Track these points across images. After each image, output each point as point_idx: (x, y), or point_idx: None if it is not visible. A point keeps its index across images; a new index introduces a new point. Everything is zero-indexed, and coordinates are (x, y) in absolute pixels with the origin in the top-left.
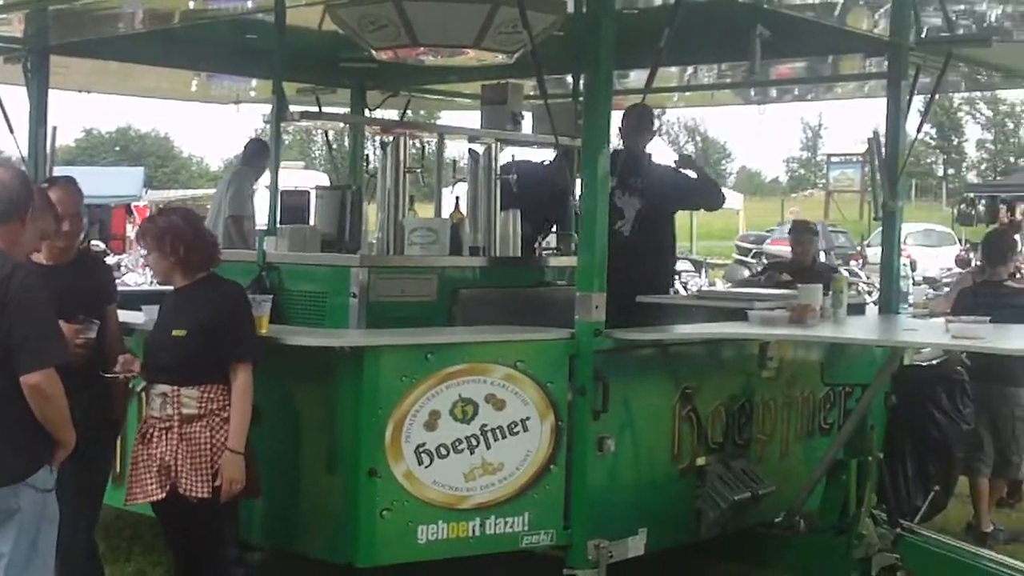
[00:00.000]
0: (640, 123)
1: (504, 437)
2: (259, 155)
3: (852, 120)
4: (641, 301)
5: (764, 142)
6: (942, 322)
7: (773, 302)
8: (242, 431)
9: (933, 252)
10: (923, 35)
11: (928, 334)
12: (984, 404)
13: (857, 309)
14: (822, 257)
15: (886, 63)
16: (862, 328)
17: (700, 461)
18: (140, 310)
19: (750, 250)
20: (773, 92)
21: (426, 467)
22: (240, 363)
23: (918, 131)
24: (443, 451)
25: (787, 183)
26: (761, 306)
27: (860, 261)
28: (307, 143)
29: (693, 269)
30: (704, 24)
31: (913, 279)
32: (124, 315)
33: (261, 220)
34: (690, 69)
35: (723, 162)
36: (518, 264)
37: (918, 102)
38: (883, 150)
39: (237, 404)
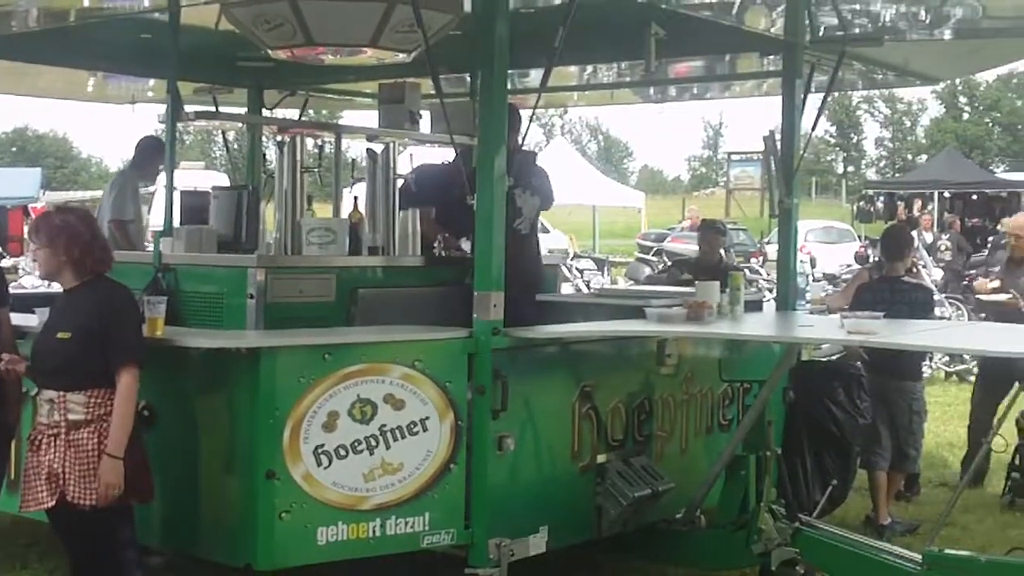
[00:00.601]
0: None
1: (403, 437)
2: (150, 155)
3: (753, 118)
4: (541, 299)
5: (666, 141)
6: (838, 318)
7: (670, 300)
8: (122, 436)
9: (833, 249)
10: (820, 34)
11: (823, 330)
12: (881, 398)
13: (755, 306)
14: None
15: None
16: (759, 324)
17: (600, 458)
18: (34, 313)
19: (651, 248)
20: (672, 91)
21: (325, 468)
22: (123, 367)
23: (812, 129)
24: (342, 452)
25: (689, 181)
26: (658, 304)
27: (760, 258)
28: (208, 143)
29: (595, 267)
30: (599, 23)
31: (813, 275)
32: (18, 318)
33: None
34: (589, 68)
35: (625, 161)
36: (417, 264)
37: (816, 100)
38: (779, 148)
39: (118, 408)
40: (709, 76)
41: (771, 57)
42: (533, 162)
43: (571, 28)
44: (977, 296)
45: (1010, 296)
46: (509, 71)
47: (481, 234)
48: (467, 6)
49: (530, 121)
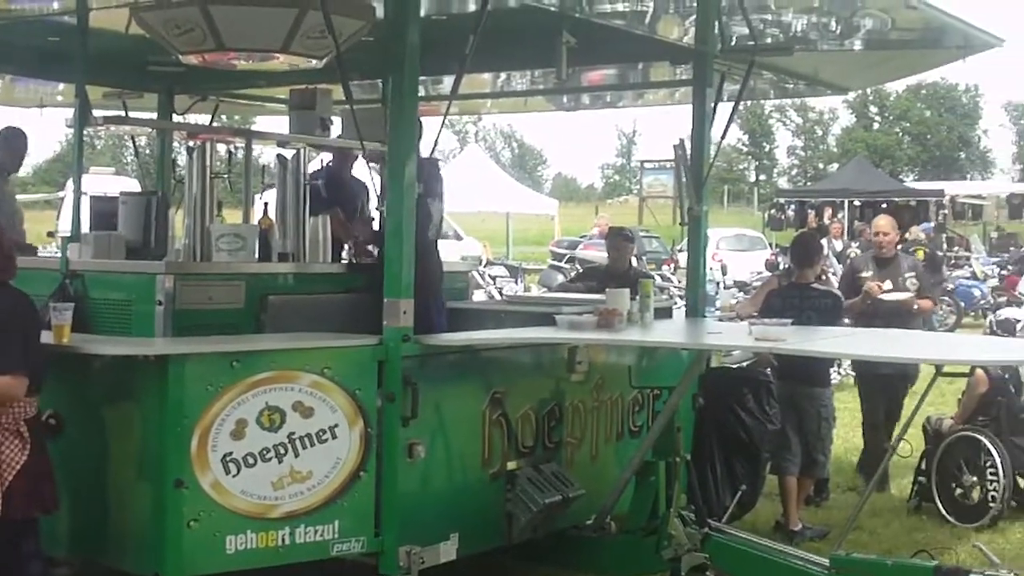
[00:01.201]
0: None
1: (312, 445)
2: (10, 145)
3: (667, 127)
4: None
5: (580, 149)
6: (746, 325)
7: (581, 307)
8: None
9: (744, 256)
10: (733, 43)
11: (732, 337)
12: (790, 404)
13: (664, 313)
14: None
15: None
16: (668, 332)
17: (511, 465)
18: None
19: (564, 255)
20: (586, 99)
21: (233, 476)
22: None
23: (723, 137)
24: (251, 460)
25: (602, 189)
26: (569, 311)
27: (672, 266)
28: (119, 148)
29: (508, 275)
30: (511, 31)
31: (724, 283)
32: None
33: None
34: (503, 75)
35: (539, 168)
36: (328, 270)
37: (728, 109)
38: (689, 157)
39: None
40: (620, 84)
41: (683, 66)
42: (438, 169)
43: (483, 35)
44: (870, 300)
45: (910, 295)
46: (421, 78)
47: (391, 242)
48: (379, 12)
49: (440, 128)
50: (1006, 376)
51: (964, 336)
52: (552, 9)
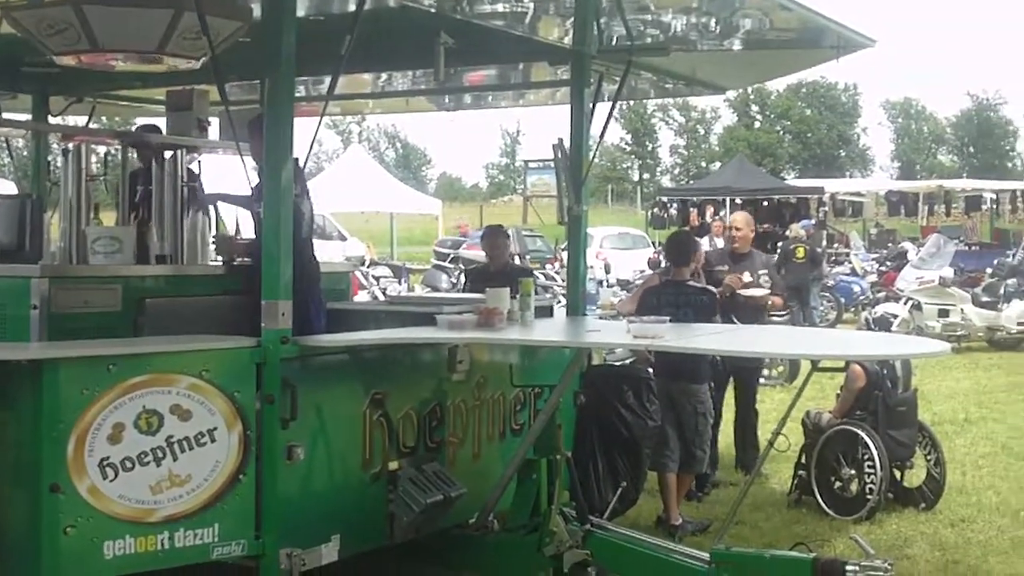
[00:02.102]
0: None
1: (191, 448)
2: None
3: (551, 126)
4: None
5: (465, 148)
6: (624, 322)
7: (462, 306)
8: None
9: (627, 255)
10: (614, 44)
11: (610, 335)
12: (668, 401)
13: (545, 311)
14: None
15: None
16: (548, 330)
17: (392, 465)
18: None
19: (448, 255)
20: (467, 99)
21: (111, 481)
22: None
23: (601, 137)
24: (128, 464)
25: (487, 189)
26: (450, 310)
27: (556, 264)
28: None
29: (392, 275)
30: (390, 32)
31: (608, 281)
32: None
33: None
34: (385, 76)
35: (424, 168)
36: (206, 272)
37: (608, 109)
38: (568, 156)
39: None
40: (500, 85)
41: (562, 66)
42: (301, 169)
43: (361, 36)
44: (729, 292)
45: (767, 291)
46: (302, 78)
47: (268, 242)
48: (256, 13)
49: (317, 129)
50: (883, 371)
51: (841, 331)
52: (430, 10)
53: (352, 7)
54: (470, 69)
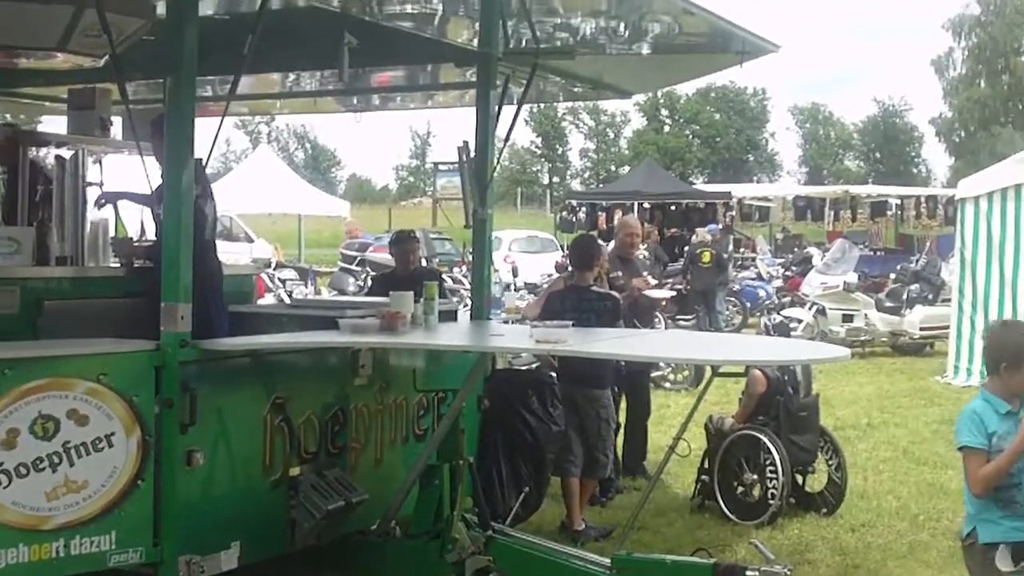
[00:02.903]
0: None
1: (88, 454)
2: None
3: (462, 128)
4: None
5: (375, 150)
6: (528, 327)
7: (365, 310)
8: None
9: (536, 258)
10: (517, 46)
11: (514, 339)
12: (571, 406)
13: (450, 315)
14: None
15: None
16: (452, 334)
17: (293, 471)
18: None
19: (355, 258)
20: (376, 100)
21: (5, 488)
22: None
23: (506, 140)
24: (23, 470)
25: (397, 190)
26: (353, 314)
27: (464, 267)
28: None
29: (299, 278)
30: (294, 31)
31: (516, 284)
32: None
33: None
34: (293, 76)
35: (333, 169)
36: (106, 274)
37: (523, 112)
38: (473, 159)
39: None
40: (407, 86)
41: (470, 68)
42: (203, 170)
43: (265, 36)
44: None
45: (670, 293)
46: (209, 78)
47: (169, 244)
48: (161, 11)
49: (219, 129)
50: (784, 376)
51: (742, 336)
52: (335, 10)
53: (256, 6)
54: (377, 70)
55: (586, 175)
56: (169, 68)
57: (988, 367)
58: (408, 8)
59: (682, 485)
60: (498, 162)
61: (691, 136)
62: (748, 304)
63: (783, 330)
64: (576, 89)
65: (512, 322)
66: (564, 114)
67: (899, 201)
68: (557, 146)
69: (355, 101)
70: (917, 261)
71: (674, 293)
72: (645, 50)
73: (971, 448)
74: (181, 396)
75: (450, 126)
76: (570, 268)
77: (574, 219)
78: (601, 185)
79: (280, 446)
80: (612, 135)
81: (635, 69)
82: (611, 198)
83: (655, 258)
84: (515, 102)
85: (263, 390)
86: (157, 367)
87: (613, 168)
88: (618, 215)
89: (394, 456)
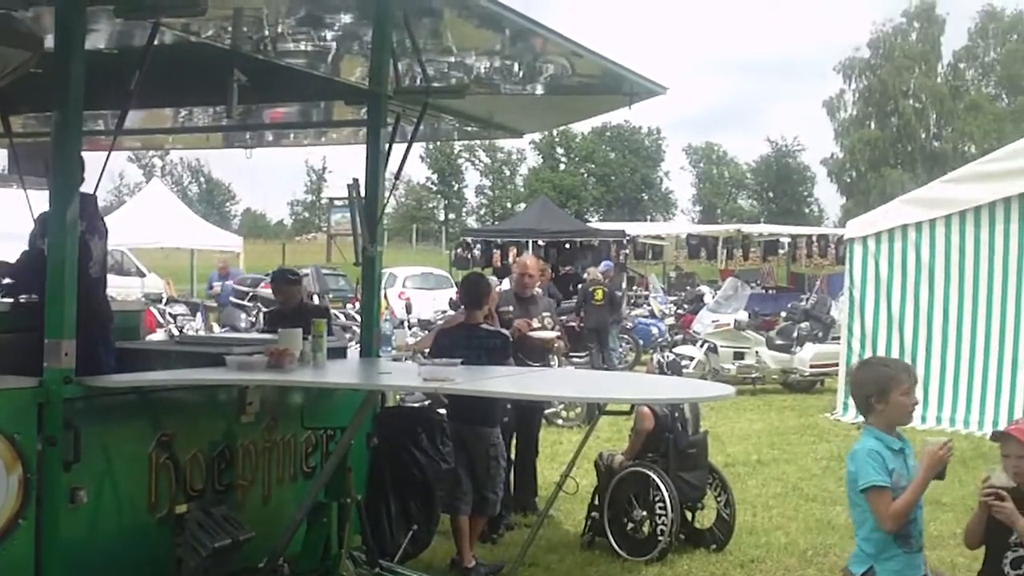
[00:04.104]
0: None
1: None
2: None
3: (358, 164)
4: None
5: (270, 185)
6: (416, 364)
7: (252, 347)
8: None
9: (430, 295)
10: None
11: (401, 377)
12: (461, 444)
13: (339, 352)
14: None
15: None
16: (341, 372)
17: (179, 509)
18: None
19: (247, 293)
20: (269, 136)
21: None
22: None
23: (396, 178)
24: None
25: (292, 226)
26: (241, 351)
27: (358, 304)
28: None
29: (190, 312)
30: (183, 67)
31: (409, 321)
32: None
33: None
34: (185, 111)
35: (227, 204)
36: None
37: (419, 148)
38: (363, 196)
39: None
40: (298, 123)
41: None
42: (96, 207)
43: (155, 71)
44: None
45: (558, 335)
46: (101, 112)
47: (53, 280)
48: (49, 43)
49: (105, 164)
50: (674, 414)
51: (630, 374)
52: (223, 47)
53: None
54: (269, 106)
55: (482, 212)
56: (55, 101)
57: (861, 408)
58: (300, 46)
59: (573, 522)
60: (388, 199)
61: (586, 174)
62: (641, 342)
63: (675, 368)
64: (469, 128)
65: (405, 359)
66: (460, 151)
67: (791, 240)
68: (453, 183)
69: (248, 137)
70: (807, 299)
71: (559, 334)
72: (536, 90)
73: (880, 487)
74: (64, 433)
75: (346, 162)
76: (461, 306)
77: (469, 256)
78: (496, 222)
79: (166, 483)
80: (508, 172)
81: (526, 109)
82: (506, 235)
83: (548, 295)
84: (407, 140)
85: (149, 427)
86: (40, 404)
87: (509, 205)
88: (513, 252)
89: (282, 494)
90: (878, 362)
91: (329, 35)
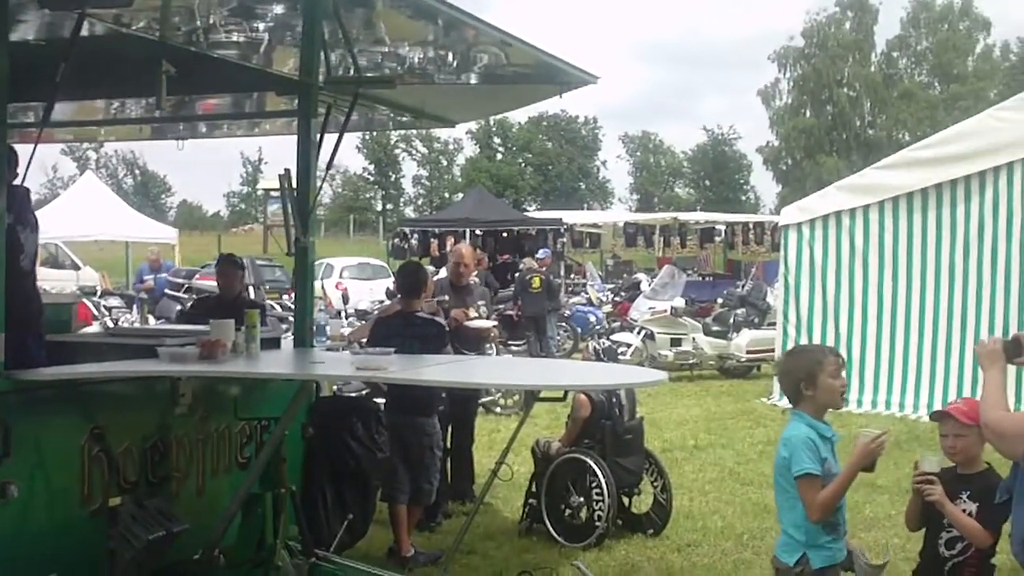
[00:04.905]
0: None
1: None
2: None
3: (293, 156)
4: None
5: (206, 176)
6: (349, 354)
7: (185, 338)
8: None
9: (367, 285)
10: (343, 75)
11: (334, 366)
12: (397, 433)
13: (272, 343)
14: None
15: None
16: (274, 362)
17: (113, 501)
18: None
19: (182, 285)
20: (203, 127)
21: None
22: None
23: (328, 168)
24: None
25: (228, 217)
26: (173, 342)
27: (294, 295)
28: None
29: (125, 305)
30: (111, 58)
31: (346, 311)
32: None
33: None
34: (117, 103)
35: (163, 196)
36: None
37: (355, 139)
38: (295, 186)
39: None
40: (229, 114)
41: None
42: (29, 198)
43: (82, 62)
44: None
45: (493, 323)
46: (31, 104)
47: None
48: None
49: (32, 156)
50: (612, 400)
51: (565, 361)
52: (151, 38)
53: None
54: (200, 98)
55: (419, 202)
56: None
57: (791, 397)
58: (231, 37)
59: (511, 509)
60: (321, 189)
61: (524, 164)
62: (579, 329)
63: (611, 355)
64: (402, 118)
65: (341, 349)
66: (397, 141)
67: (727, 228)
68: (390, 173)
69: (180, 128)
70: (743, 286)
71: (495, 323)
72: (468, 80)
73: (811, 475)
74: None
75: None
76: (397, 295)
77: (406, 246)
78: (434, 212)
79: (99, 476)
80: (445, 162)
81: (458, 99)
82: (443, 225)
83: (485, 284)
84: (339, 130)
85: (81, 420)
86: None
87: (447, 195)
88: (450, 242)
89: (216, 485)
90: (802, 349)
91: (261, 26)
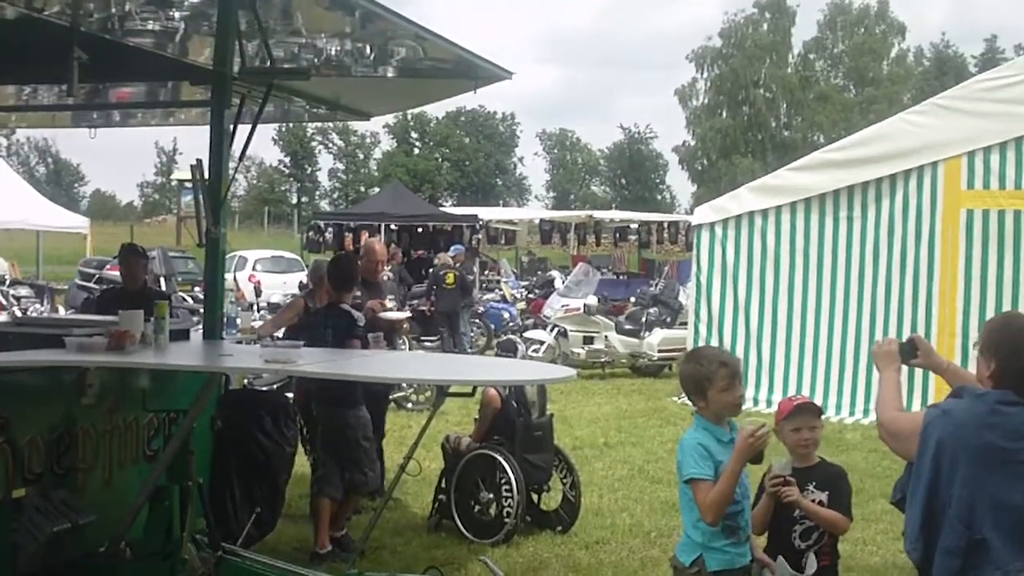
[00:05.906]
0: None
1: None
2: None
3: (207, 146)
4: None
5: (120, 166)
6: (259, 347)
7: (93, 329)
8: None
9: (281, 278)
10: (251, 66)
11: (243, 359)
12: (319, 426)
13: (182, 335)
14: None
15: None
16: (182, 354)
17: (17, 493)
18: None
19: (93, 275)
20: (117, 116)
21: None
22: None
23: (240, 160)
24: None
25: (142, 207)
26: (80, 333)
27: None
28: None
29: (34, 295)
30: (22, 43)
31: (258, 304)
32: None
33: None
34: (29, 88)
35: (76, 185)
36: None
37: (271, 131)
38: (207, 177)
39: None
40: (143, 103)
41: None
42: None
43: None
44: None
45: (407, 315)
46: None
47: None
48: None
49: None
50: (521, 397)
51: (475, 358)
52: (63, 24)
53: None
54: (113, 86)
55: (335, 196)
56: None
57: (693, 398)
58: (145, 25)
59: (421, 504)
60: (233, 180)
61: (440, 159)
62: (493, 326)
63: (509, 347)
64: (318, 110)
65: (252, 342)
66: (313, 134)
67: (642, 226)
68: (306, 166)
69: (94, 116)
70: (656, 285)
71: (410, 315)
72: (384, 73)
73: (699, 479)
74: None
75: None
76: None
77: (321, 239)
78: (350, 206)
79: (3, 468)
80: (362, 156)
81: (373, 92)
82: (358, 219)
83: (399, 279)
84: (264, 121)
85: None
86: None
87: (363, 189)
88: (364, 236)
89: (124, 477)
90: (697, 356)
91: (176, 15)
